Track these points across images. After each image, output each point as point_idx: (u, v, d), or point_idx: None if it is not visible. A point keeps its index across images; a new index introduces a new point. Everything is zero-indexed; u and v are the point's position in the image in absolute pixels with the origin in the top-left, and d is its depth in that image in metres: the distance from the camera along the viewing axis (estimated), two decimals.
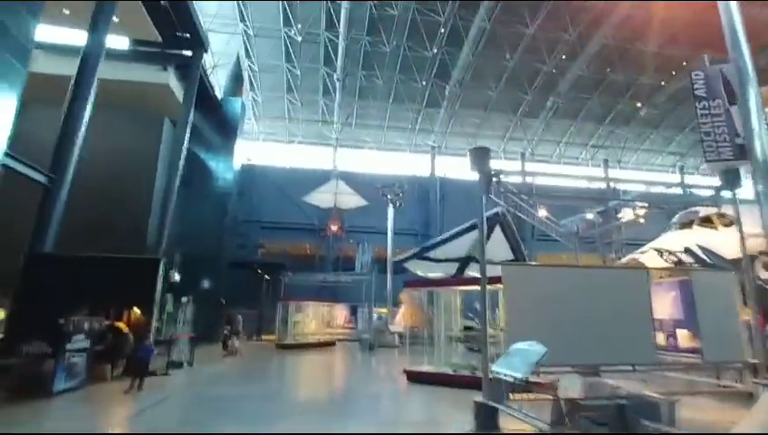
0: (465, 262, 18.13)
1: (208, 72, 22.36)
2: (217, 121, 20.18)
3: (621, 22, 23.15)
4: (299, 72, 26.81)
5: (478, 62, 26.34)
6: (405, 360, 11.80)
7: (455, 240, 16.72)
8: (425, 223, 31.78)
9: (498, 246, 15.72)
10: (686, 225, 16.91)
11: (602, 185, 34.93)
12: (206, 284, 19.82)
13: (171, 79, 16.43)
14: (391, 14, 23.31)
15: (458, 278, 12.01)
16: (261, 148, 32.31)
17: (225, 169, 20.92)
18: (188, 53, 16.50)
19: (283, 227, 28.87)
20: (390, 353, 16.88)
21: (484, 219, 6.02)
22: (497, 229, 15.74)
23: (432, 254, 17.65)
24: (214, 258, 20.30)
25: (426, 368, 9.16)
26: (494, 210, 14.29)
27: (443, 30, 23.89)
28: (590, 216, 17.02)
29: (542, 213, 10.56)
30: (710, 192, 6.93)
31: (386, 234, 24.38)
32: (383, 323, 21.31)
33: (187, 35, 16.25)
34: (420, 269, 18.45)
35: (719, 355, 6.08)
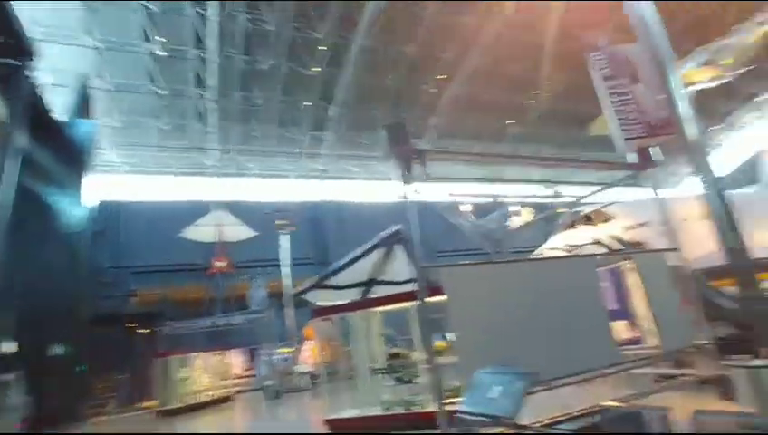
0: (369, 285, 16.99)
1: (46, 91, 18.53)
2: (60, 149, 16.53)
3: (490, 45, 24.70)
4: (167, 93, 23.84)
5: (362, 81, 26.06)
6: (321, 404, 10.05)
7: (356, 263, 15.57)
8: (322, 250, 30.11)
9: (402, 266, 14.95)
10: (570, 225, 18.13)
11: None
12: (57, 349, 15.74)
13: None
14: (267, 30, 21.93)
15: (376, 298, 10.69)
16: (125, 181, 28.01)
17: (73, 206, 17.16)
18: (11, 62, 13.18)
19: (161, 270, 24.91)
20: (301, 399, 14.84)
21: (414, 216, 4.81)
22: (399, 248, 15.02)
23: (333, 281, 16.24)
24: (67, 315, 16.29)
25: (351, 412, 7.57)
26: (394, 228, 13.64)
27: (323, 48, 23.16)
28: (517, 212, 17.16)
29: (466, 208, 9.79)
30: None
31: (280, 265, 22.31)
32: (289, 365, 19.02)
33: (8, 41, 12.98)
34: (322, 299, 16.85)
35: (676, 342, 5.57)
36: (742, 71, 23.19)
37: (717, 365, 5.65)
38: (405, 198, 4.86)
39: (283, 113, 27.24)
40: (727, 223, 4.97)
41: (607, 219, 17.17)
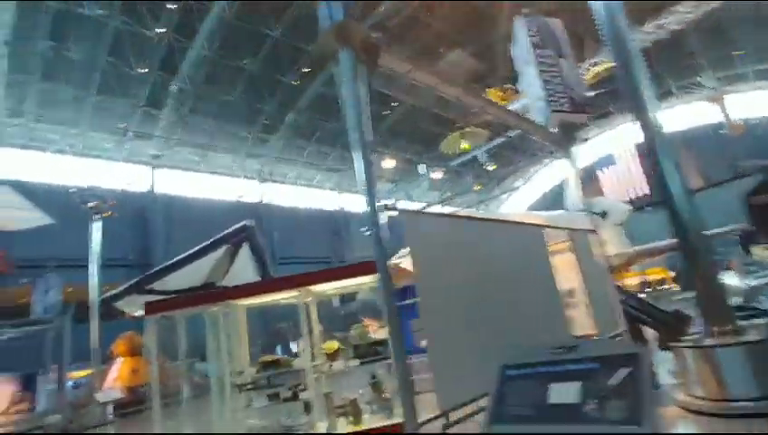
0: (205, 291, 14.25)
1: None
2: None
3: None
4: None
5: (213, 59, 22.82)
6: None
7: (190, 264, 12.80)
8: (143, 251, 25.13)
9: (245, 267, 12.90)
10: None
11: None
12: None
13: None
14: None
15: (253, 284, 8.27)
16: None
17: None
18: None
19: None
20: None
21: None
22: (245, 246, 12.93)
23: (158, 285, 13.07)
24: None
25: None
26: (242, 223, 11.65)
27: (172, 6, 19.47)
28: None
29: None
30: None
31: (86, 266, 17.44)
32: (86, 392, 14.55)
33: None
34: (142, 308, 13.39)
35: (610, 327, 4.99)
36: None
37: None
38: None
39: (108, 77, 22.02)
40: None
41: None
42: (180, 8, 19.76)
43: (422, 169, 31.53)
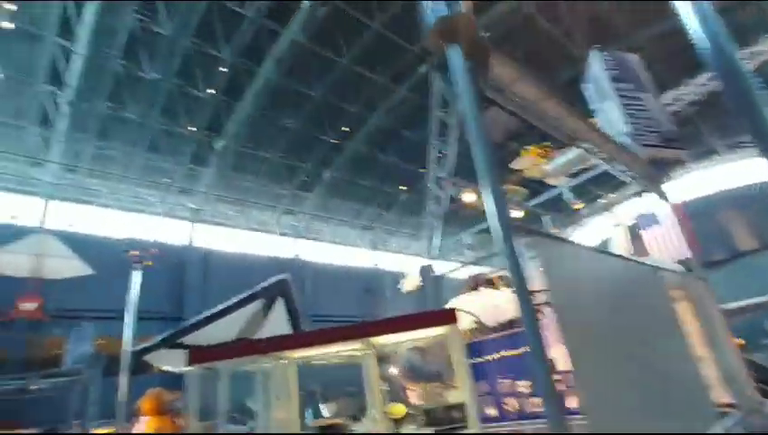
0: None
1: None
2: None
3: (397, 105, 24.84)
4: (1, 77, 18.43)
5: (257, 117, 23.74)
6: None
7: (223, 318, 12.38)
8: (178, 303, 24.95)
9: (280, 323, 12.39)
10: (473, 288, 17.42)
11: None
12: None
13: None
14: (161, 35, 18.77)
15: (313, 332, 7.63)
16: None
17: None
18: None
19: None
20: None
21: None
22: (280, 301, 12.49)
23: (189, 339, 12.61)
24: None
25: None
26: (278, 277, 11.28)
27: (224, 69, 20.61)
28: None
29: None
30: None
31: (120, 318, 17.23)
32: None
33: None
34: (172, 362, 12.86)
35: (746, 398, 4.10)
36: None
37: None
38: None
39: (158, 136, 23.14)
40: None
41: (509, 284, 16.82)
42: (231, 69, 20.86)
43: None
